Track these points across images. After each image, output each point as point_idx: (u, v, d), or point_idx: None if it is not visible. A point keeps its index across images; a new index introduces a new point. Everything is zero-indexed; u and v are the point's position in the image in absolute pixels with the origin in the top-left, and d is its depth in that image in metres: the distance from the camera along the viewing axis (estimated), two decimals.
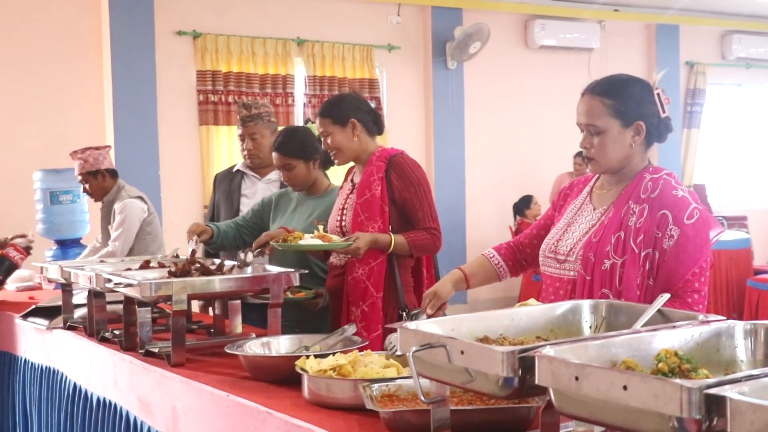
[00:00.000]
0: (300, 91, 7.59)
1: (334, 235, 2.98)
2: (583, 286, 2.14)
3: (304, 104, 7.58)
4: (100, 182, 4.22)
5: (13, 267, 3.86)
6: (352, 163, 3.22)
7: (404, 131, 8.02)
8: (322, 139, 3.13)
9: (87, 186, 4.25)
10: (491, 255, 2.52)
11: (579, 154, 8.62)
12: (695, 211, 2.08)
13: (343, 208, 3.11)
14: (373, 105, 3.25)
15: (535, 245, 2.42)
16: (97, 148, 4.23)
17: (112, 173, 4.25)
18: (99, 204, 4.38)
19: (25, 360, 3.60)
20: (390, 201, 3.01)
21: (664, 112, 2.20)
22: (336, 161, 3.16)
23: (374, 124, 3.15)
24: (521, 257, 2.51)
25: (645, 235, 2.08)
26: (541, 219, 2.49)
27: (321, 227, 2.97)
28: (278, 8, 7.47)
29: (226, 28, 7.20)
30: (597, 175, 2.33)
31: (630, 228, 2.11)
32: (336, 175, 3.97)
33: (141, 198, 4.24)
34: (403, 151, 3.17)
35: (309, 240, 2.88)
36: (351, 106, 3.10)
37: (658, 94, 2.20)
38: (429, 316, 2.35)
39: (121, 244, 4.06)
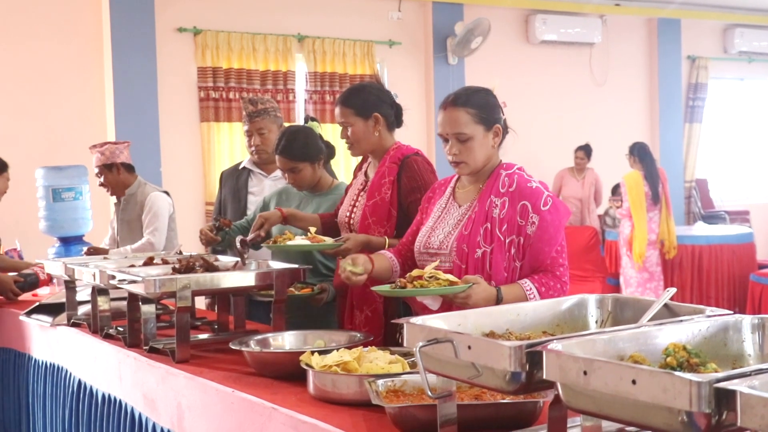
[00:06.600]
0: (301, 87, 7.58)
1: (325, 236, 2.90)
2: (459, 274, 2.35)
3: (305, 100, 7.57)
4: (116, 176, 4.22)
5: (36, 282, 4.05)
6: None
7: (405, 127, 7.87)
8: (341, 129, 2.99)
9: (103, 179, 4.24)
10: (387, 254, 2.64)
11: (580, 148, 8.60)
12: (548, 199, 2.37)
13: (354, 205, 3.02)
14: (395, 96, 3.10)
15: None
16: (116, 143, 4.27)
17: (129, 168, 4.26)
18: (101, 201, 4.38)
19: (29, 357, 3.60)
20: (399, 205, 2.91)
21: (503, 115, 2.54)
22: (351, 152, 3.03)
23: (395, 117, 3.05)
24: (407, 258, 2.63)
25: (508, 224, 2.36)
26: (414, 225, 2.67)
27: (313, 229, 2.90)
28: (279, 4, 7.46)
29: (227, 25, 7.19)
30: (457, 177, 2.58)
31: (495, 219, 2.38)
32: (337, 168, 3.93)
33: (167, 194, 4.27)
34: (419, 151, 3.06)
35: (299, 240, 2.83)
36: (375, 99, 2.97)
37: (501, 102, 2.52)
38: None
39: (159, 236, 4.08)
